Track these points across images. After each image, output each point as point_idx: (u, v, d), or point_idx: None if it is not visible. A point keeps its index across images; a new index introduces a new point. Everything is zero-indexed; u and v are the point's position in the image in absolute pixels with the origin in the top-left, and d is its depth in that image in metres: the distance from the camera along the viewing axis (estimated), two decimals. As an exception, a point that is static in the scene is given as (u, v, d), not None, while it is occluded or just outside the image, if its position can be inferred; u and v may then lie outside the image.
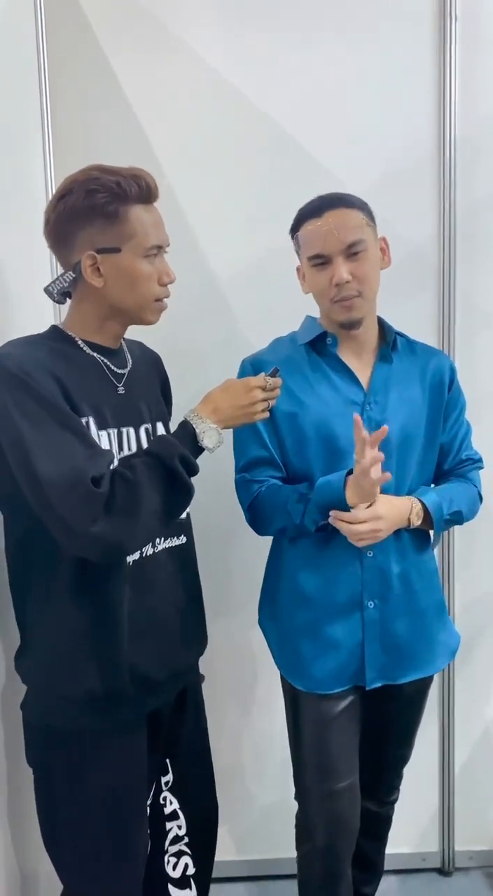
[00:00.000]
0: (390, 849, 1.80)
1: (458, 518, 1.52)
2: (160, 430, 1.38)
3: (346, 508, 1.38)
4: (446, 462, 1.58)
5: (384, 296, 1.49)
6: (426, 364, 1.53)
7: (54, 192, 1.27)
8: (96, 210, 1.22)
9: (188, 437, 1.25)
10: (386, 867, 1.82)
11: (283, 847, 1.84)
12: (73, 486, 1.12)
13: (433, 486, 1.57)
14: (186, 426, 1.27)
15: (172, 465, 1.20)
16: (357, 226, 1.40)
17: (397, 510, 1.41)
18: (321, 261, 1.41)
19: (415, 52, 1.85)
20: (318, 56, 1.84)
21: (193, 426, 1.26)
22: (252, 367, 1.49)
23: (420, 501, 1.45)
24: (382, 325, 1.53)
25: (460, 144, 1.86)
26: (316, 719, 1.50)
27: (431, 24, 1.84)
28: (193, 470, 1.24)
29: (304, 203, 1.46)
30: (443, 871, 2.11)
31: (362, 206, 1.43)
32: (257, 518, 1.51)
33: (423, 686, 1.59)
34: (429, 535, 1.53)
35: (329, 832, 1.54)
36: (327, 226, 1.39)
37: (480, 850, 2.12)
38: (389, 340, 1.51)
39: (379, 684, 1.50)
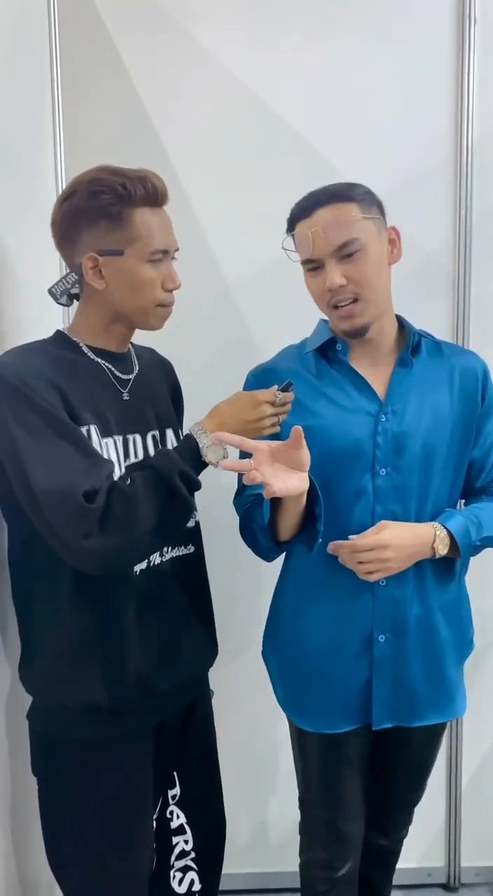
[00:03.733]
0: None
1: (489, 543, 1.37)
2: (169, 436, 1.35)
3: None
4: (478, 479, 1.42)
5: (398, 302, 1.42)
6: (455, 366, 1.38)
7: (61, 192, 1.25)
8: (100, 211, 1.19)
9: (190, 452, 1.20)
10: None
11: (284, 860, 1.82)
12: (65, 502, 1.09)
13: (462, 502, 1.45)
14: (189, 440, 1.22)
15: (171, 481, 1.15)
16: (349, 223, 1.25)
17: (413, 538, 1.27)
18: (314, 265, 1.29)
19: (433, 55, 1.83)
20: (334, 59, 1.82)
21: (197, 440, 1.21)
22: (255, 379, 1.39)
23: (444, 527, 1.30)
24: (402, 325, 1.39)
25: (476, 150, 1.85)
26: (321, 759, 1.43)
27: (449, 26, 1.82)
28: (194, 486, 1.19)
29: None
30: (449, 887, 2.09)
31: (360, 199, 1.28)
32: (246, 538, 1.39)
33: (437, 731, 1.46)
34: (454, 562, 1.36)
35: (333, 854, 1.48)
36: (314, 227, 1.25)
37: (486, 866, 2.10)
38: (410, 343, 1.36)
39: (389, 725, 1.37)
